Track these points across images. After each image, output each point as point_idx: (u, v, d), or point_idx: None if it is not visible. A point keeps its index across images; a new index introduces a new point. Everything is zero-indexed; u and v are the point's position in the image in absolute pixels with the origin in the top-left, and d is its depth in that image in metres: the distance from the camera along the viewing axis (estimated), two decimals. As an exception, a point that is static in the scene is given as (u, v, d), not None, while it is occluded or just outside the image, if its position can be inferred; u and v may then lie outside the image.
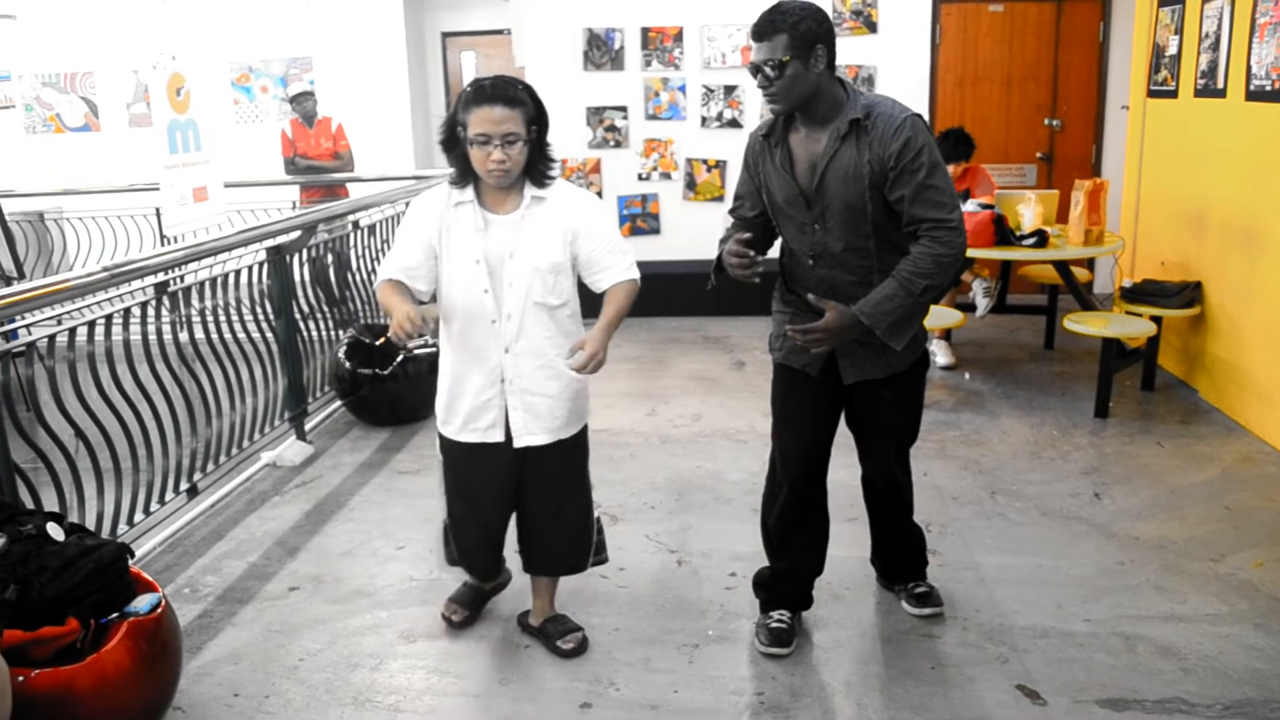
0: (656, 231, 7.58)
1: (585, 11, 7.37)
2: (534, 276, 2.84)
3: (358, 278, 6.07)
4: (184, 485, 4.18)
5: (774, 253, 3.09)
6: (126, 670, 2.53)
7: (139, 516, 3.86)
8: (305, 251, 5.33)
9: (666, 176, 7.53)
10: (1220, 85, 5.08)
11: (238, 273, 4.87)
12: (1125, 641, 3.11)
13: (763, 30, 2.71)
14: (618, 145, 7.51)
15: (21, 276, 8.23)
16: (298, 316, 5.16)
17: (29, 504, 3.22)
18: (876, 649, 3.12)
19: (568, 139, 7.32)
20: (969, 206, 5.56)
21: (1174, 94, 5.68)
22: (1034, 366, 6.01)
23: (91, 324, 3.72)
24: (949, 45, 7.36)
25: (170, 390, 4.15)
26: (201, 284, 4.58)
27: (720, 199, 7.38)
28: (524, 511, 3.09)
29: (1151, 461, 4.53)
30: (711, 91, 7.38)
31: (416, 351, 5.16)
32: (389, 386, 5.20)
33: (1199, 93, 5.37)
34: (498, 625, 3.31)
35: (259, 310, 5.03)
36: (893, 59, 7.22)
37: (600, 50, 7.39)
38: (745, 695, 2.91)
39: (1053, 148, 7.46)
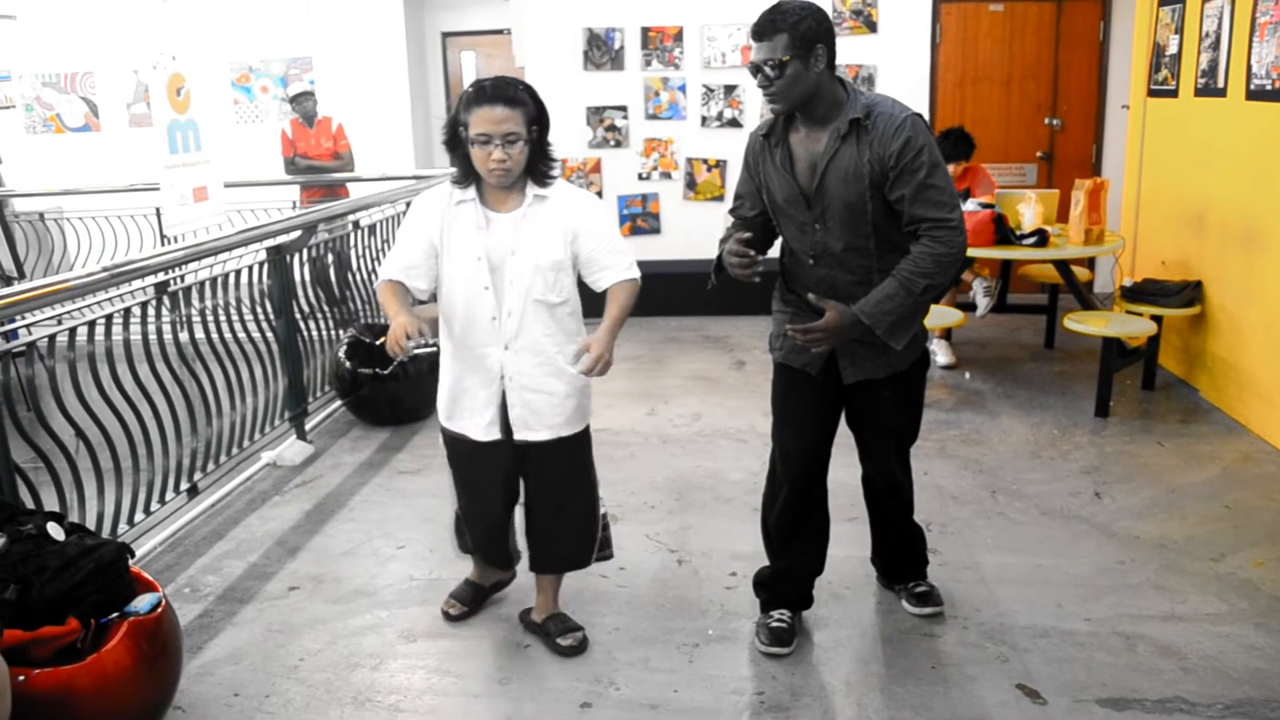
0: (657, 231, 7.59)
1: (585, 11, 7.37)
2: (535, 274, 2.85)
3: (358, 277, 6.07)
4: (184, 485, 4.18)
5: (774, 252, 3.09)
6: (127, 670, 2.53)
7: (139, 516, 3.87)
8: (305, 251, 5.33)
9: (667, 176, 7.53)
10: (1220, 85, 5.08)
11: (238, 273, 4.87)
12: (1125, 641, 3.11)
13: (763, 30, 2.71)
14: (618, 145, 7.51)
15: (21, 276, 8.26)
16: (298, 316, 5.16)
17: (29, 504, 3.23)
18: (877, 648, 3.12)
19: (568, 139, 7.32)
20: (969, 206, 5.56)
21: (1174, 93, 5.68)
22: (1034, 366, 6.01)
23: (92, 324, 3.72)
24: (949, 45, 7.35)
25: (170, 390, 4.15)
26: (201, 284, 4.59)
27: (720, 199, 7.38)
28: (529, 508, 3.12)
29: (1152, 461, 4.53)
30: (711, 91, 7.38)
31: (416, 352, 5.15)
32: (389, 386, 5.20)
33: (1199, 92, 5.37)
34: (498, 625, 3.31)
35: (259, 310, 5.04)
36: (893, 58, 7.22)
37: (600, 50, 7.39)
38: (745, 695, 2.91)
39: (1053, 147, 7.46)
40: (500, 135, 2.72)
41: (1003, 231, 5.42)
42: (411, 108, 10.10)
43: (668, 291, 6.91)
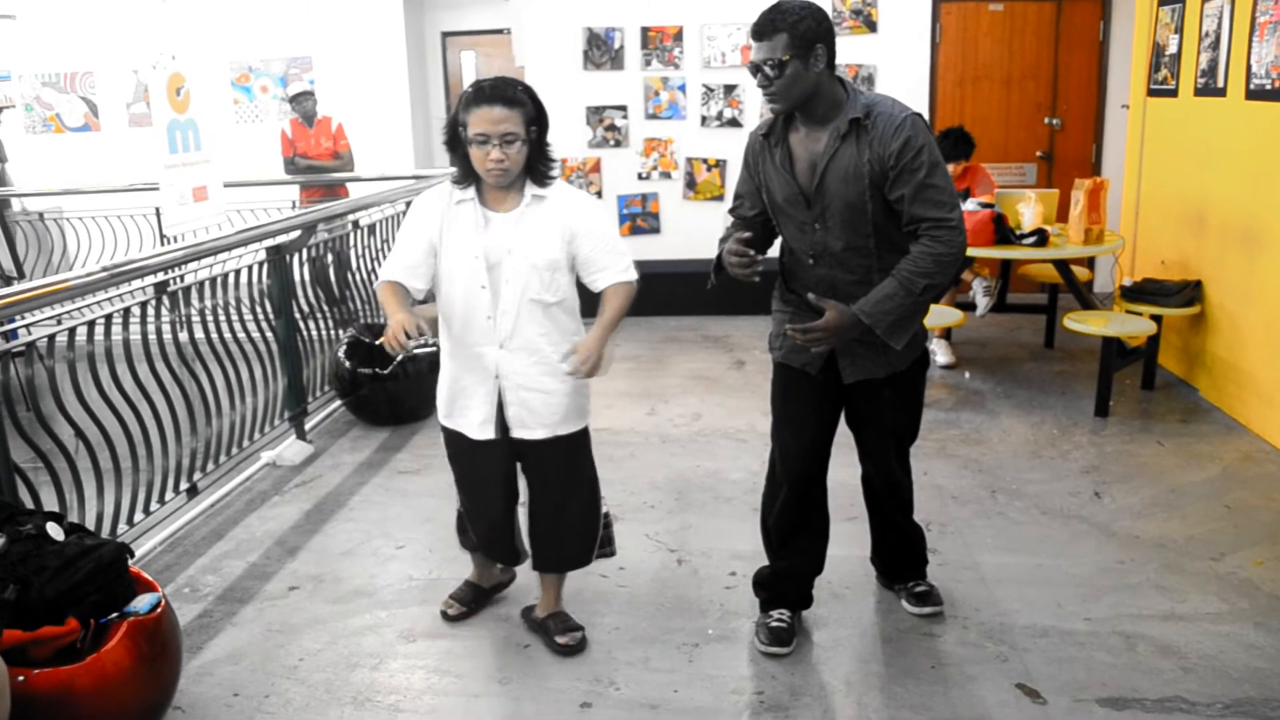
0: (656, 231, 7.58)
1: (585, 11, 7.37)
2: (531, 273, 2.86)
3: (357, 277, 6.07)
4: (184, 485, 4.18)
5: (774, 252, 3.09)
6: (126, 670, 2.53)
7: (139, 516, 3.86)
8: (305, 251, 5.33)
9: (666, 176, 7.53)
10: (1220, 84, 5.08)
11: (237, 272, 4.87)
12: (1125, 640, 3.11)
13: (762, 29, 2.71)
14: (618, 145, 7.50)
15: (21, 276, 8.25)
16: (297, 316, 5.16)
17: (29, 504, 3.23)
18: (876, 648, 3.12)
19: (568, 138, 7.32)
20: (969, 205, 5.56)
21: (1174, 93, 5.68)
22: (1034, 365, 6.01)
23: (91, 324, 3.72)
24: (949, 44, 7.35)
25: (170, 390, 4.15)
26: (201, 284, 4.59)
27: (720, 198, 7.38)
28: (530, 507, 3.14)
29: (1152, 460, 4.53)
30: (711, 91, 7.38)
31: (416, 351, 5.15)
32: (389, 386, 5.20)
33: (1199, 91, 5.37)
34: (498, 625, 3.31)
35: (259, 310, 5.04)
36: (892, 58, 7.22)
37: (600, 50, 7.39)
38: (745, 694, 2.91)
39: (1053, 147, 7.46)
40: (498, 135, 2.73)
41: (1002, 231, 5.42)
42: (411, 107, 10.10)
43: (667, 291, 6.91)
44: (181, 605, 3.44)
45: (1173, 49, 5.68)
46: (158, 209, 6.94)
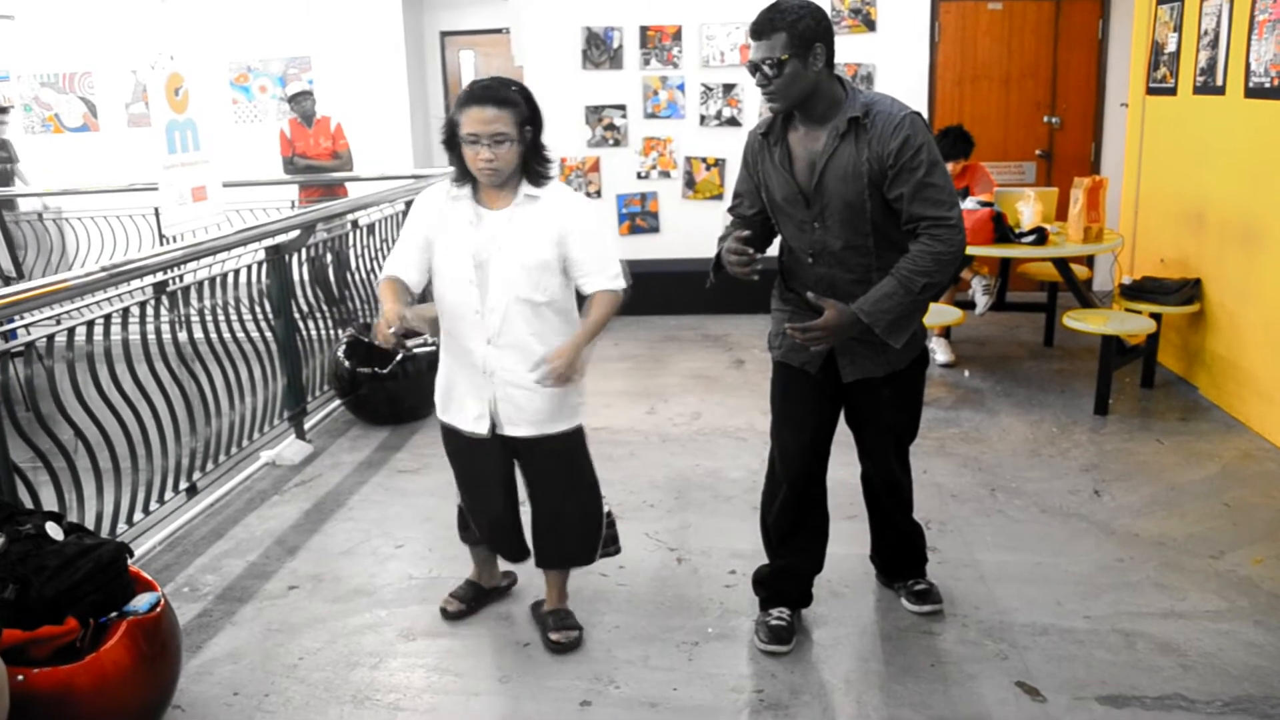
0: (655, 230, 7.58)
1: (584, 10, 7.37)
2: (520, 272, 2.87)
3: (357, 277, 6.07)
4: (183, 484, 4.18)
5: (773, 250, 3.09)
6: (126, 669, 2.53)
7: (138, 516, 3.87)
8: (304, 251, 5.33)
9: (665, 175, 7.53)
10: (1219, 82, 5.08)
11: (236, 272, 4.87)
12: (1125, 638, 3.11)
13: (761, 28, 2.71)
14: (617, 144, 7.50)
15: (21, 276, 8.25)
16: (297, 316, 5.16)
17: (28, 504, 3.23)
18: (876, 646, 3.12)
19: (567, 138, 7.32)
20: (968, 204, 5.56)
21: (1173, 91, 5.68)
22: (1033, 364, 6.01)
23: (90, 324, 3.72)
24: (948, 43, 7.35)
25: (170, 390, 4.15)
26: (200, 283, 4.58)
27: (719, 197, 7.38)
28: (531, 506, 3.16)
29: (1151, 458, 4.53)
30: (710, 90, 7.38)
31: (416, 350, 5.15)
32: (388, 385, 5.20)
33: (1198, 90, 5.37)
34: (498, 623, 3.32)
35: (258, 310, 5.04)
36: (891, 57, 7.22)
37: (599, 49, 7.39)
38: (745, 693, 2.91)
39: (1052, 145, 7.46)
40: (488, 135, 2.75)
41: (1002, 230, 5.42)
42: (410, 107, 10.10)
43: (666, 290, 6.91)
44: (181, 604, 3.44)
45: (1172, 47, 5.68)
46: (157, 209, 6.94)
